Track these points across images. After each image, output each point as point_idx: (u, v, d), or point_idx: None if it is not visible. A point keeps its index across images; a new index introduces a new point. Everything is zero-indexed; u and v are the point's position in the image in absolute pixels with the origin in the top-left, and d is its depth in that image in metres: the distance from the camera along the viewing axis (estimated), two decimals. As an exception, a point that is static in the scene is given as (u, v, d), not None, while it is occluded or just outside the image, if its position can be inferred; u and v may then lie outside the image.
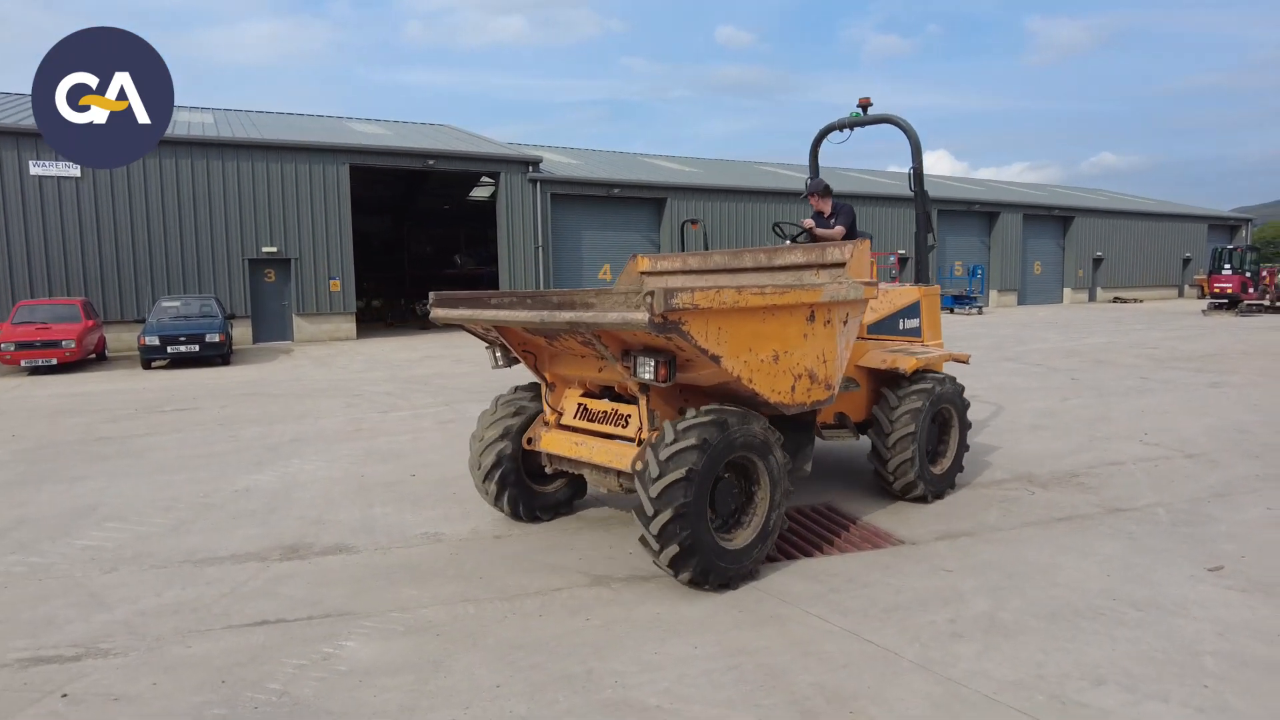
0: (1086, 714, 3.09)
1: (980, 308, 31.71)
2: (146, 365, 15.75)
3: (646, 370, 4.24)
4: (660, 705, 3.22)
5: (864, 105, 7.18)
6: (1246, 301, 28.01)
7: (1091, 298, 39.75)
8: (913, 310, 6.54)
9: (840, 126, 7.41)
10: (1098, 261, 39.76)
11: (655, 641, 3.78)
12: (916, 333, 6.56)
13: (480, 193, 30.64)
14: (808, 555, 4.96)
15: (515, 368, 5.62)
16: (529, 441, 5.46)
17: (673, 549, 4.13)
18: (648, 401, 4.65)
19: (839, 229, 6.64)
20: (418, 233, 36.24)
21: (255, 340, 20.55)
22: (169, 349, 15.53)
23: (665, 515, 4.09)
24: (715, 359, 4.11)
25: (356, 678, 3.47)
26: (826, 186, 6.95)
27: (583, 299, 6.35)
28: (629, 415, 4.89)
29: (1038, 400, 10.29)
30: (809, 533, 5.39)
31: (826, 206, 6.91)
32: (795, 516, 5.71)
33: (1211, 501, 5.92)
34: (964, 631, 3.82)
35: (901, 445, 5.73)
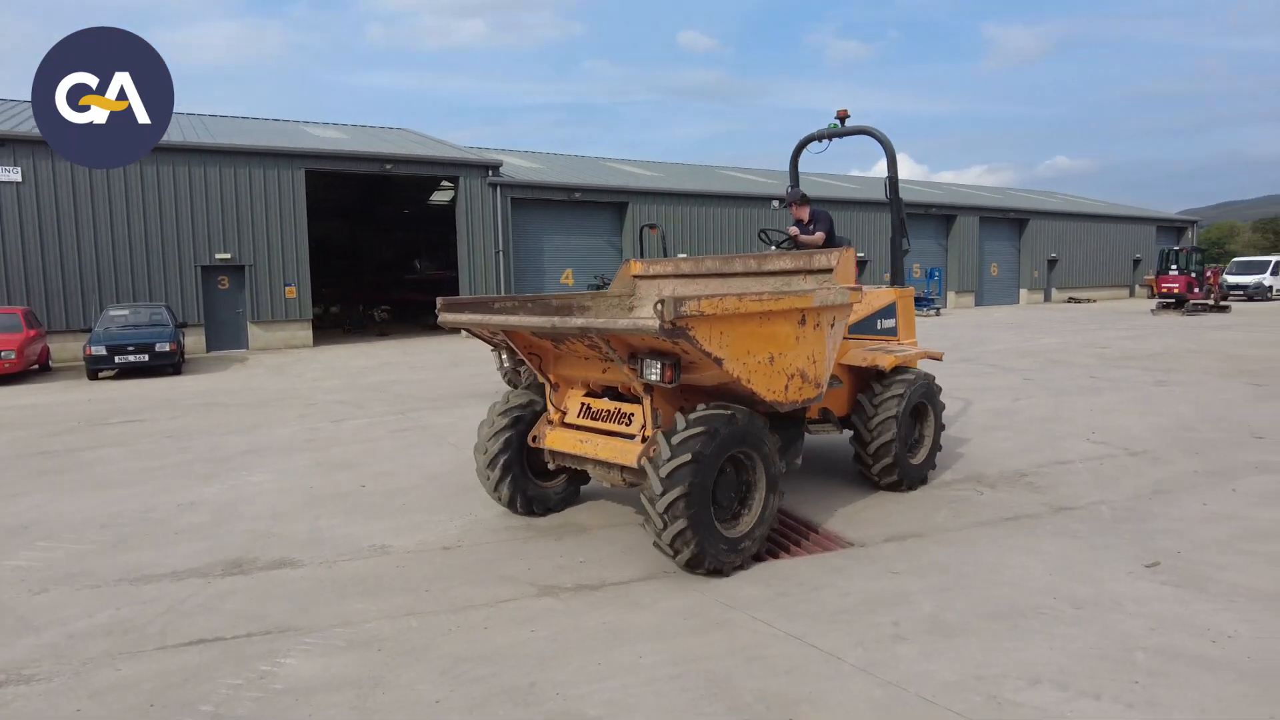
0: (1021, 713, 3.13)
1: (938, 309, 32.20)
2: (92, 376, 15.33)
3: (653, 372, 4.52)
4: (601, 716, 3.19)
5: (842, 117, 7.37)
6: (1192, 301, 28.80)
7: (1047, 298, 40.59)
8: (889, 311, 6.85)
9: (819, 137, 7.60)
10: (1052, 263, 40.60)
11: (601, 651, 3.76)
12: (893, 332, 6.87)
13: (441, 197, 30.38)
14: (759, 559, 4.97)
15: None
16: (534, 439, 5.66)
17: (677, 526, 4.38)
18: (651, 401, 4.90)
19: (819, 235, 6.98)
20: (378, 238, 35.81)
21: (209, 349, 20.12)
22: (117, 359, 15.13)
23: (673, 494, 4.35)
24: (718, 361, 4.38)
25: (294, 696, 3.40)
26: (804, 195, 7.19)
27: (579, 302, 6.55)
28: (632, 414, 5.14)
29: (992, 400, 10.47)
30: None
31: (805, 214, 7.19)
32: (747, 521, 5.73)
33: (1153, 498, 6.06)
34: (908, 634, 3.85)
35: (882, 438, 6.05)
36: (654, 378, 4.52)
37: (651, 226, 12.06)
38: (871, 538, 5.31)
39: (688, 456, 4.37)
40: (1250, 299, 36.36)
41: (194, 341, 19.48)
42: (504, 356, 5.65)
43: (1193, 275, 29.46)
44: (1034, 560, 4.80)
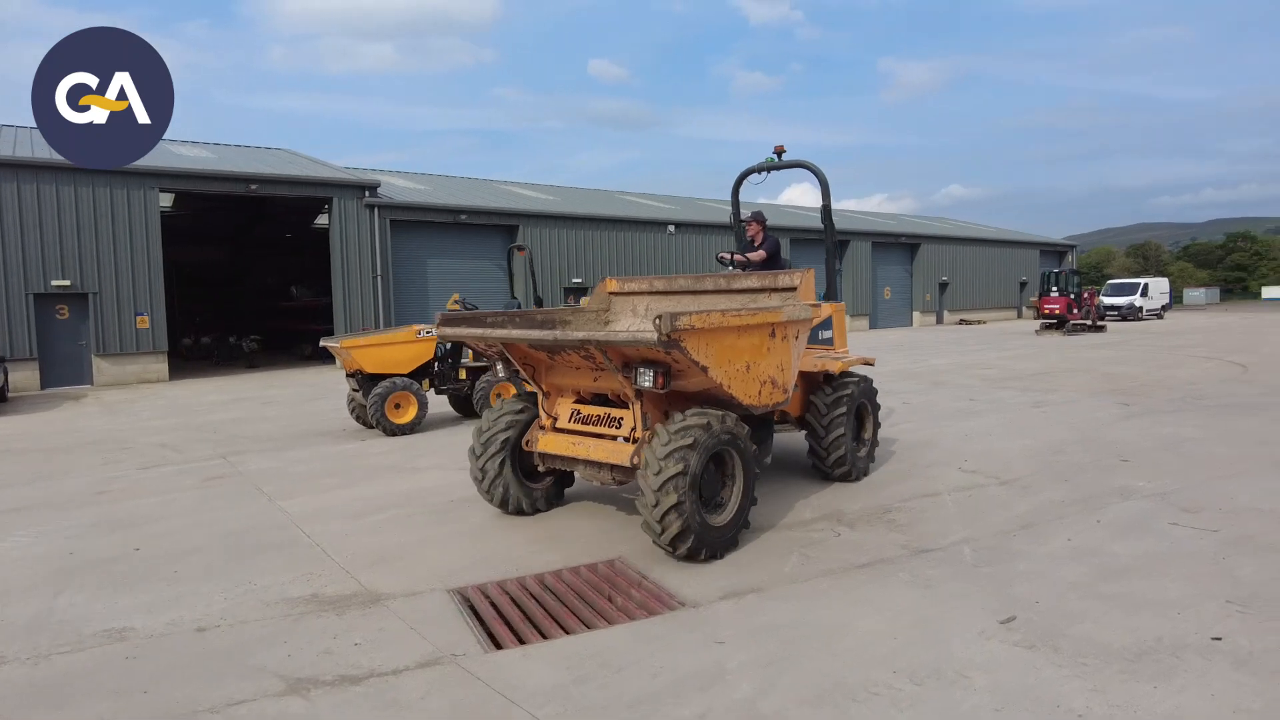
0: None
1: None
2: (-111, 419, 13.44)
3: (646, 379, 5.02)
4: None
5: (779, 152, 7.90)
6: (1072, 321, 29.90)
7: (939, 320, 41.69)
8: (828, 323, 7.56)
9: (758, 169, 8.10)
10: (943, 286, 41.79)
11: (321, 780, 2.91)
12: (830, 341, 7.59)
13: (325, 220, 28.85)
14: (567, 632, 4.21)
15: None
16: (527, 443, 6.07)
17: (670, 518, 4.82)
18: (641, 406, 5.39)
19: (760, 253, 7.79)
20: (259, 263, 33.83)
21: (44, 385, 18.11)
22: (-82, 399, 13.32)
23: (667, 489, 4.81)
24: (704, 369, 4.93)
25: None
26: (764, 218, 8.04)
27: (560, 316, 7.24)
28: (621, 418, 5.60)
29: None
30: (584, 599, 4.67)
31: (758, 234, 7.98)
32: (573, 579, 4.97)
33: (1018, 534, 5.60)
34: (714, 730, 3.15)
35: (834, 431, 6.79)
36: (647, 384, 5.02)
37: (519, 248, 11.37)
38: (706, 594, 4.63)
39: (679, 455, 4.84)
40: (1124, 319, 38.22)
41: (25, 377, 17.55)
42: (499, 367, 6.46)
43: (1072, 297, 30.63)
44: (880, 619, 4.20)
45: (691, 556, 4.99)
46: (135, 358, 19.26)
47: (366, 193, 22.07)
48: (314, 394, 15.84)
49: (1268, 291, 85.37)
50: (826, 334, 7.50)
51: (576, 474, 5.97)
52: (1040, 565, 4.95)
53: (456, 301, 11.22)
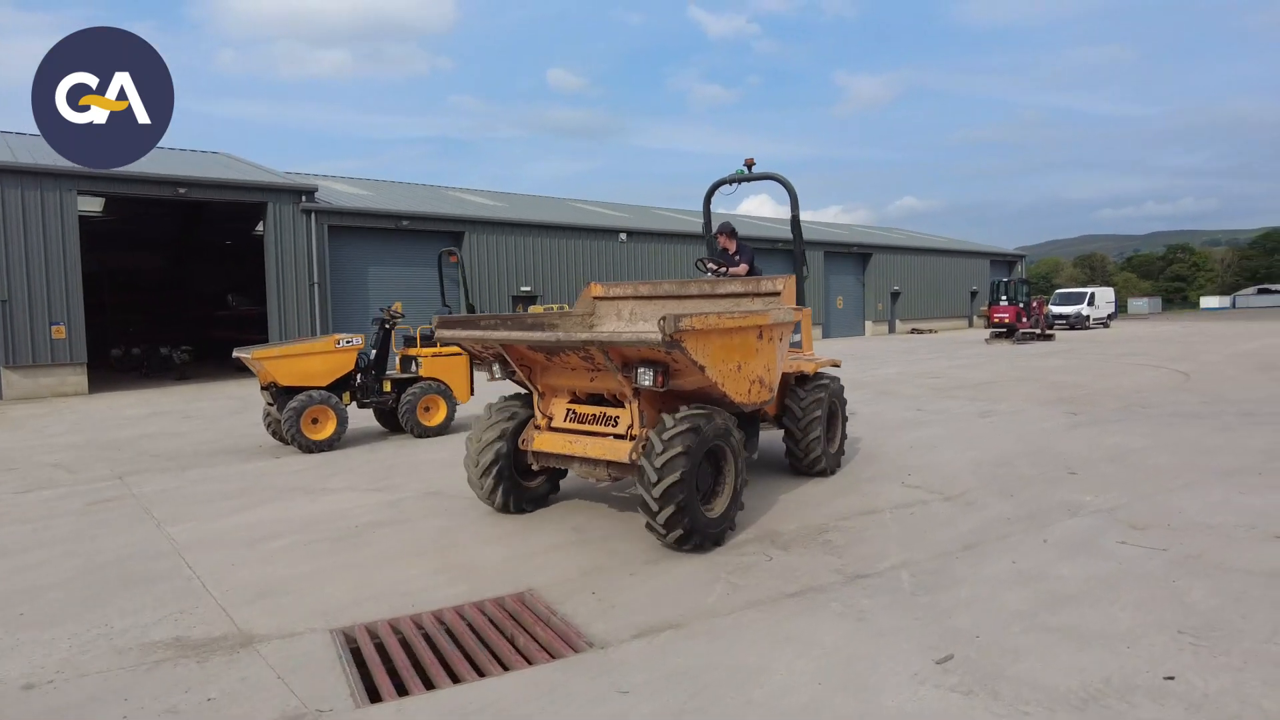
0: None
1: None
2: None
3: (646, 378, 5.20)
4: None
5: (749, 164, 8.17)
6: (1021, 330, 30.14)
7: (891, 330, 41.92)
8: (798, 327, 7.76)
9: (729, 181, 8.34)
10: (895, 295, 42.05)
11: None
12: (799, 345, 7.85)
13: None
14: (457, 680, 3.71)
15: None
16: (523, 443, 6.21)
17: (670, 510, 5.06)
18: (639, 404, 5.61)
19: (743, 266, 8.20)
20: (198, 271, 32.58)
21: (-51, 400, 17.01)
22: None
23: (667, 482, 5.04)
24: (701, 369, 5.15)
25: None
26: (734, 229, 8.35)
27: (548, 320, 7.44)
28: (617, 416, 5.82)
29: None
30: (483, 639, 4.17)
31: (732, 245, 8.36)
32: (475, 616, 4.47)
33: (960, 556, 5.24)
34: (599, 809, 2.68)
35: (811, 430, 7.11)
36: (647, 383, 5.20)
37: (450, 253, 10.85)
38: (618, 632, 4.16)
39: (678, 449, 5.08)
40: (1072, 328, 38.79)
41: (-73, 392, 16.43)
42: (495, 369, 6.27)
43: (1021, 306, 30.91)
44: (805, 659, 3.77)
45: (684, 542, 5.23)
46: (50, 370, 18.17)
47: (304, 198, 21.26)
48: (238, 408, 15.04)
49: (1206, 301, 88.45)
50: (796, 338, 7.83)
51: (571, 471, 6.20)
52: (983, 591, 4.58)
53: (394, 314, 10.62)
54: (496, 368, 6.21)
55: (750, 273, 8.12)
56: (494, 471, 6.17)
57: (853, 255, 40.11)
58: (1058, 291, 45.91)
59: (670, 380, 5.28)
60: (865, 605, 4.43)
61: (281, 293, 20.97)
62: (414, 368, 10.61)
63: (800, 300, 8.05)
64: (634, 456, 5.41)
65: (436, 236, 24.42)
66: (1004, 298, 31.41)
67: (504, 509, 6.33)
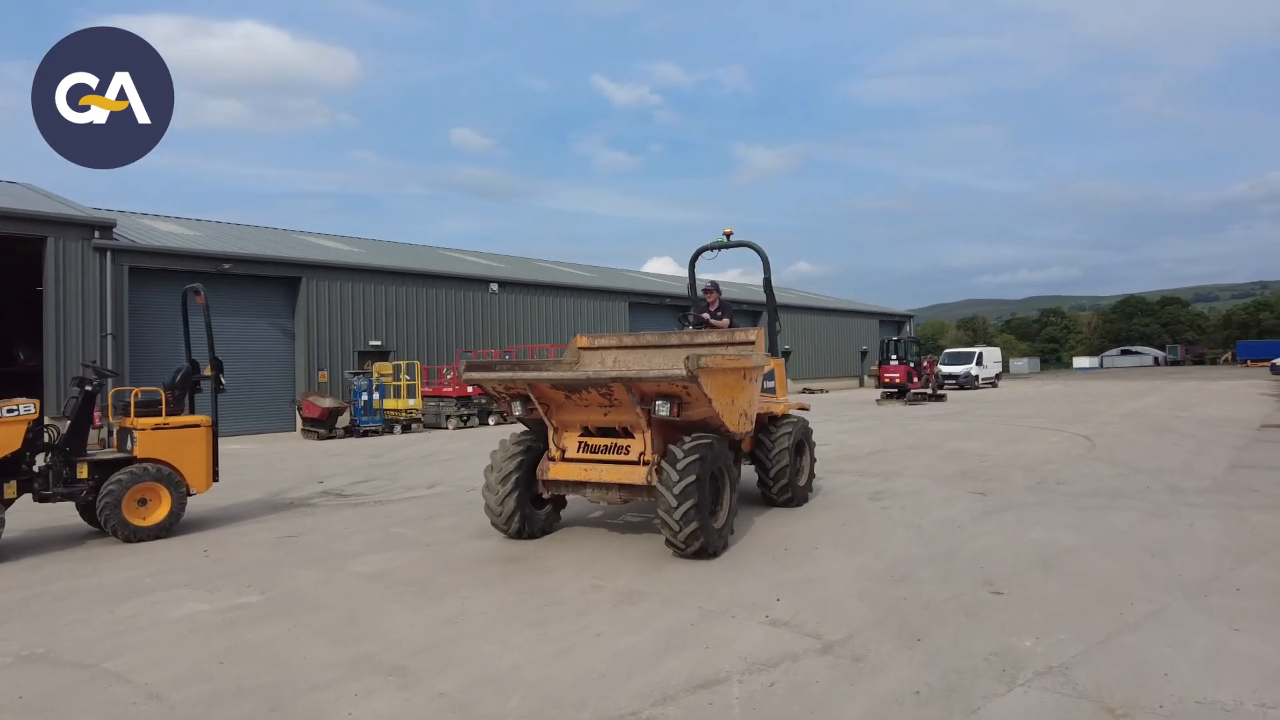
0: None
1: (677, 402, 30.37)
2: None
3: (664, 409, 6.30)
4: None
5: (728, 234, 9.30)
6: (913, 390, 29.13)
7: (785, 389, 40.68)
8: (771, 375, 8.61)
9: (711, 248, 9.53)
10: (786, 355, 40.93)
11: None
12: (773, 390, 8.66)
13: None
14: None
15: None
16: (540, 472, 6.97)
17: (690, 526, 6.06)
18: (651, 434, 6.56)
19: (726, 321, 9.42)
20: (-9, 320, 27.97)
21: None
22: None
23: (686, 502, 6.02)
24: (710, 401, 6.23)
25: None
26: (717, 286, 9.57)
27: (535, 365, 8.55)
28: (628, 445, 6.75)
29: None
30: None
31: (715, 301, 9.54)
32: None
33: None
34: None
35: (780, 465, 8.08)
36: (665, 413, 6.29)
37: (195, 291, 8.26)
38: None
39: (692, 477, 6.06)
40: (961, 387, 38.48)
41: None
42: (516, 407, 6.82)
43: (912, 365, 30.01)
44: None
45: (700, 554, 6.19)
46: None
47: (97, 233, 17.90)
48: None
49: (1078, 361, 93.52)
50: (770, 384, 8.58)
51: (584, 496, 6.98)
52: None
53: (101, 371, 7.88)
54: (517, 405, 6.90)
55: (731, 326, 9.26)
56: (513, 500, 6.90)
57: (747, 313, 38.88)
58: (947, 351, 46.04)
59: (683, 410, 6.33)
60: None
61: (63, 345, 17.38)
62: (129, 444, 7.74)
63: (774, 351, 9.11)
64: (650, 479, 6.43)
65: (271, 284, 21.31)
66: (894, 357, 30.52)
67: (518, 535, 7.05)
